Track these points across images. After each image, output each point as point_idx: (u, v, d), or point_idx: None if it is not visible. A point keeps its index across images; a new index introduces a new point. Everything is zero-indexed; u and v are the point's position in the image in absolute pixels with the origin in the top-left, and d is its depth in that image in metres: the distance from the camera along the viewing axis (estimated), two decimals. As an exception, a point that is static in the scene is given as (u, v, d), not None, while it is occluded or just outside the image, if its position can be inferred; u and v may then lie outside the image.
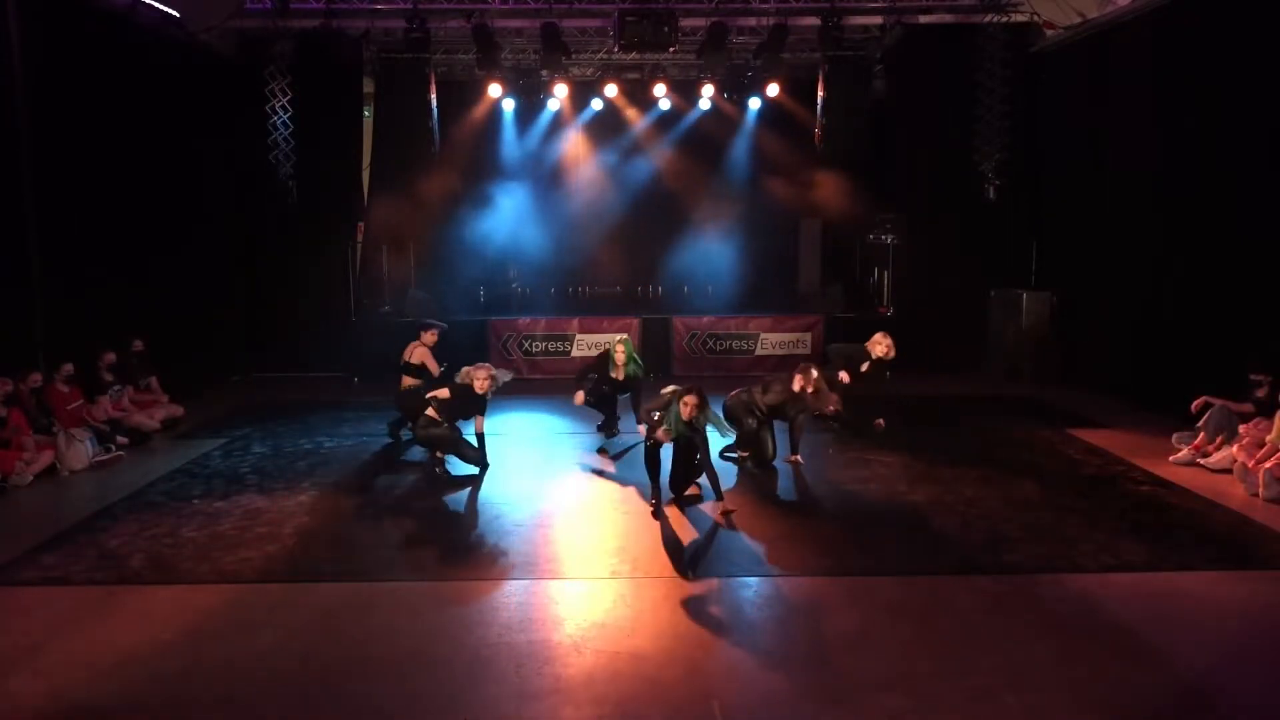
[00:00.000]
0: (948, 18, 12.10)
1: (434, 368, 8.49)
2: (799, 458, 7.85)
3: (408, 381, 8.48)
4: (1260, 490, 6.80)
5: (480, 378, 7.54)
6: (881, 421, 8.97)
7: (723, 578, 5.51)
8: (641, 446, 6.99)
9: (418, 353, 8.52)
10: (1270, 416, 7.29)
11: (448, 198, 13.39)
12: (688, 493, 6.99)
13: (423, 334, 8.63)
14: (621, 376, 8.58)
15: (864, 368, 8.64)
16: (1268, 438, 7.11)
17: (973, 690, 4.17)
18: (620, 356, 8.57)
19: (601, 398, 8.74)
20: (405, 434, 8.63)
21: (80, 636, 4.76)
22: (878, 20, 12.20)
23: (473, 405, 7.62)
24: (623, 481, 7.44)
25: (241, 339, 12.39)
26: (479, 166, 13.93)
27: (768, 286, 13.94)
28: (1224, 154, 8.70)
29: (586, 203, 14.31)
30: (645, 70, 13.93)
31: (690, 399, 6.54)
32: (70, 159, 9.00)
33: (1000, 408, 10.25)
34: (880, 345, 8.66)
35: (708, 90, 13.56)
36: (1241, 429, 7.51)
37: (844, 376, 8.61)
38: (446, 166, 13.33)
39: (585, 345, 12.11)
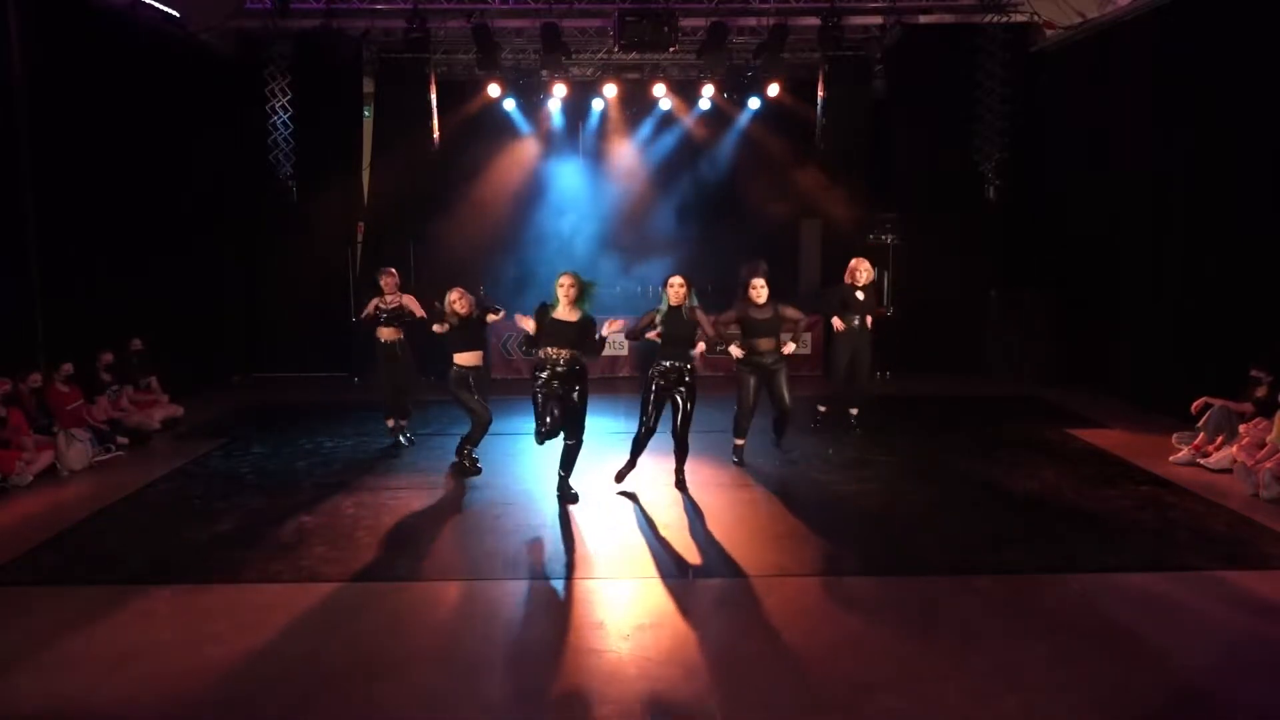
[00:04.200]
0: (948, 18, 12.09)
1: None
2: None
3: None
4: (1260, 490, 6.80)
5: (453, 299, 7.56)
6: (823, 409, 9.01)
7: (722, 578, 5.51)
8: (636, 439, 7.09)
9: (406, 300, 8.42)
10: (1270, 416, 7.29)
11: (447, 197, 13.38)
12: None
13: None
14: (575, 317, 6.64)
15: (859, 296, 8.73)
16: (1268, 438, 7.11)
17: (972, 690, 4.17)
18: (569, 285, 6.61)
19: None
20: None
21: (80, 636, 4.75)
22: (878, 20, 12.19)
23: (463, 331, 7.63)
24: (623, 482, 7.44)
25: (241, 339, 12.39)
26: (479, 166, 13.92)
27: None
28: (1224, 154, 8.70)
29: (586, 202, 14.29)
30: (645, 70, 13.93)
31: (675, 279, 6.85)
32: (70, 159, 8.99)
33: (1000, 408, 10.25)
34: (861, 272, 8.74)
35: (708, 90, 13.55)
36: (1241, 429, 7.51)
37: (837, 324, 8.77)
38: (446, 166, 13.34)
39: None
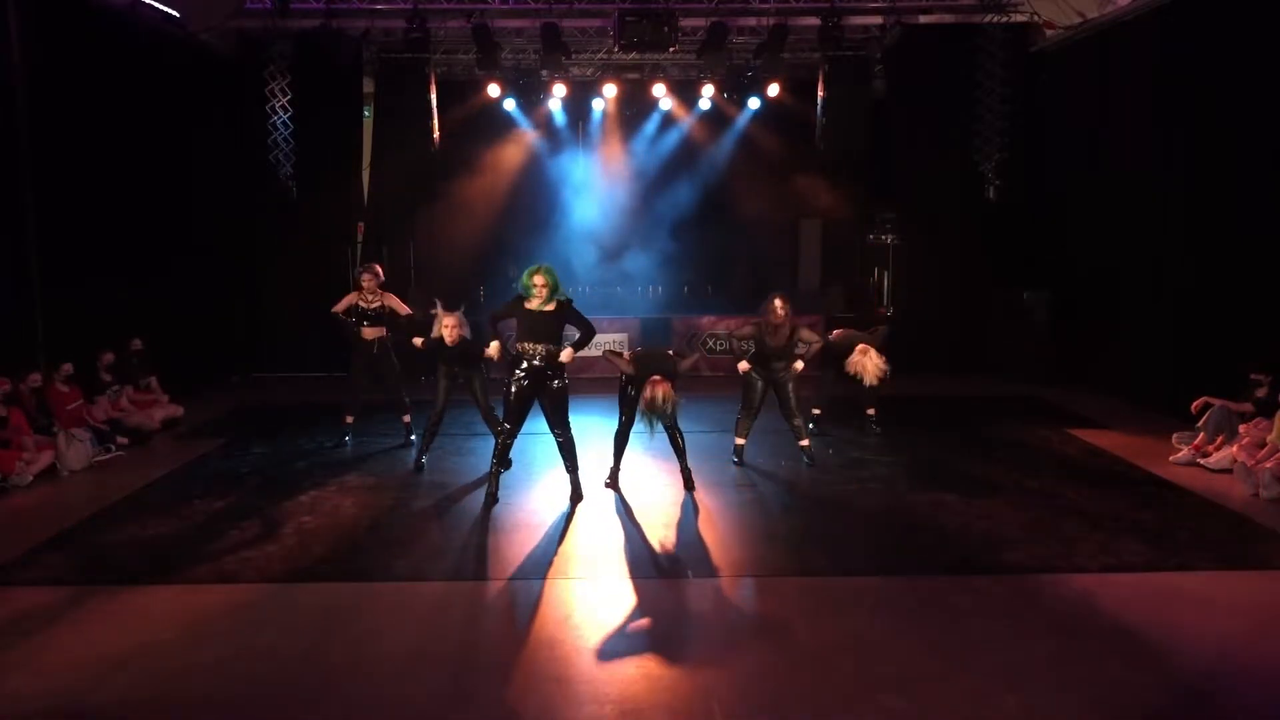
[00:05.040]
0: (948, 18, 12.09)
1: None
2: (807, 441, 7.85)
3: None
4: (1260, 490, 6.80)
5: (449, 325, 7.42)
6: (818, 410, 8.96)
7: (723, 577, 5.51)
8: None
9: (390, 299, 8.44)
10: (1270, 416, 7.29)
11: (447, 197, 13.39)
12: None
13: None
14: (551, 307, 6.54)
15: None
16: (1268, 438, 7.12)
17: (972, 691, 4.17)
18: (541, 286, 6.47)
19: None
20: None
21: (80, 636, 4.75)
22: (878, 20, 12.19)
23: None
24: (622, 481, 7.43)
25: (241, 339, 12.38)
26: (479, 167, 13.93)
27: (767, 286, 13.89)
28: (1224, 154, 8.70)
29: (585, 202, 14.29)
30: (645, 70, 13.93)
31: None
32: (70, 159, 8.99)
33: (1000, 408, 10.25)
34: (869, 373, 8.24)
35: (708, 90, 13.55)
36: (1241, 429, 7.51)
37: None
38: (446, 166, 13.34)
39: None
